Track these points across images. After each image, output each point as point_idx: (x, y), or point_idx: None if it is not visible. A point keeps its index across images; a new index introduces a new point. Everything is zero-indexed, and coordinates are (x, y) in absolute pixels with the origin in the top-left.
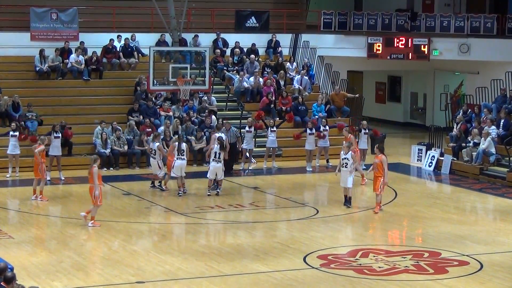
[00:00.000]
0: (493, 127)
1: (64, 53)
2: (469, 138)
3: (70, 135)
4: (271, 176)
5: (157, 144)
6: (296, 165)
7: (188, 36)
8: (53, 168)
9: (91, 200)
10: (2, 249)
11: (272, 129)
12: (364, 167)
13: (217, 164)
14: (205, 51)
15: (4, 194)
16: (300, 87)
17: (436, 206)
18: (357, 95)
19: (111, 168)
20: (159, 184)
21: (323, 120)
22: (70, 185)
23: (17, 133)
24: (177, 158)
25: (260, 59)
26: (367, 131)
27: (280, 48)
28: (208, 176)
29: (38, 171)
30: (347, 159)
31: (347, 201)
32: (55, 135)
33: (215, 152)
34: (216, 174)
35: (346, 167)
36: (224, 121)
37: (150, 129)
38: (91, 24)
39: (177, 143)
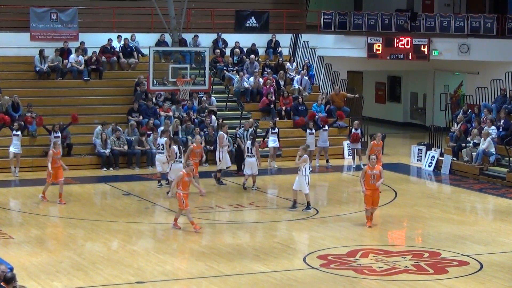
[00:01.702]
0: (493, 127)
1: (64, 53)
2: (469, 138)
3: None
4: (271, 176)
5: (165, 139)
6: (296, 165)
7: (188, 36)
8: None
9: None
10: (2, 249)
11: (273, 130)
12: (363, 167)
13: (251, 159)
14: (205, 51)
15: (4, 194)
16: (300, 87)
17: (436, 206)
18: (357, 95)
19: (111, 168)
20: (166, 182)
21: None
22: (70, 185)
23: (19, 133)
24: (179, 161)
25: (260, 59)
26: (358, 131)
27: (280, 48)
28: (245, 172)
29: (57, 173)
30: None
31: (308, 206)
32: (55, 135)
33: (248, 148)
34: (251, 169)
35: (299, 170)
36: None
37: (150, 132)
38: (91, 24)
39: (175, 146)
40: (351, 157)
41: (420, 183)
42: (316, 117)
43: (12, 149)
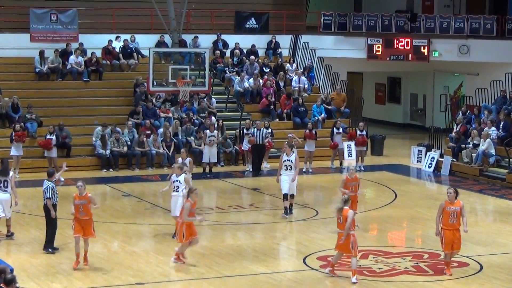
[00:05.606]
0: (493, 128)
1: (64, 54)
2: (468, 140)
3: None
4: (270, 177)
5: (189, 159)
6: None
7: (188, 37)
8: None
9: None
10: (2, 251)
11: (267, 130)
12: (363, 169)
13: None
14: (205, 52)
15: None
16: (300, 88)
17: (436, 208)
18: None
19: (111, 170)
20: None
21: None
22: (69, 186)
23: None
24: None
25: (259, 60)
26: (363, 132)
27: (280, 49)
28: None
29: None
30: (179, 181)
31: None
32: (48, 137)
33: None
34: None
35: (177, 191)
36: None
37: (149, 131)
38: (90, 25)
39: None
40: (351, 157)
41: (420, 184)
42: (317, 118)
43: (13, 152)
